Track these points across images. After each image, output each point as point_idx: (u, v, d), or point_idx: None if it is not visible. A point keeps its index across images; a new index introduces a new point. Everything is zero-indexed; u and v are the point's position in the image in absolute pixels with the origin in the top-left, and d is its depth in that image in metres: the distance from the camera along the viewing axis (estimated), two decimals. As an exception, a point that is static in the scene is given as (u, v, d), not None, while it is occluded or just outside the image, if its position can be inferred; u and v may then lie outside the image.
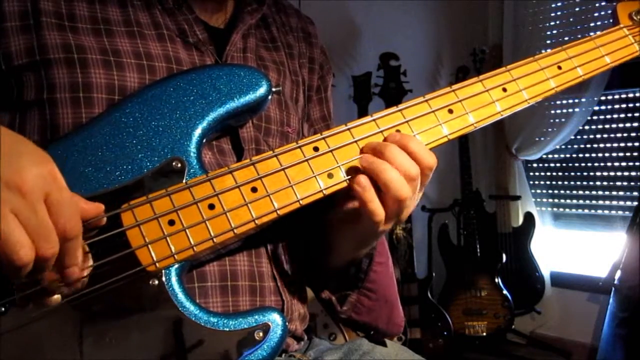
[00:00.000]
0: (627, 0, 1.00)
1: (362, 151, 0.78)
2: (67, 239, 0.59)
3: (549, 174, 3.41)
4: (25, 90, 0.78)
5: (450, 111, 0.84)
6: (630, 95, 3.05)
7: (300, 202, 0.75)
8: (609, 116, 3.14)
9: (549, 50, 0.92)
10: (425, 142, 0.82)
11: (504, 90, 0.87)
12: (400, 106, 0.82)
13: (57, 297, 0.65)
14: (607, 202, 3.14)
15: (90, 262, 0.67)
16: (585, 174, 3.24)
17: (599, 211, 3.18)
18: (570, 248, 3.30)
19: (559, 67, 0.91)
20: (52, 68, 0.77)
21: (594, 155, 3.19)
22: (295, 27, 1.07)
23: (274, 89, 0.80)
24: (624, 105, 3.07)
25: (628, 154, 3.05)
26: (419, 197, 0.81)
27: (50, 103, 0.77)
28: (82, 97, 0.78)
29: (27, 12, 0.78)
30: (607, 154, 3.13)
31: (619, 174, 3.10)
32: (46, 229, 0.56)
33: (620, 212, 3.06)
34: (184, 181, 0.73)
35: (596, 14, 3.04)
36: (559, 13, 3.19)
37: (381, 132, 0.80)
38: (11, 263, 0.55)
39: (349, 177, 0.77)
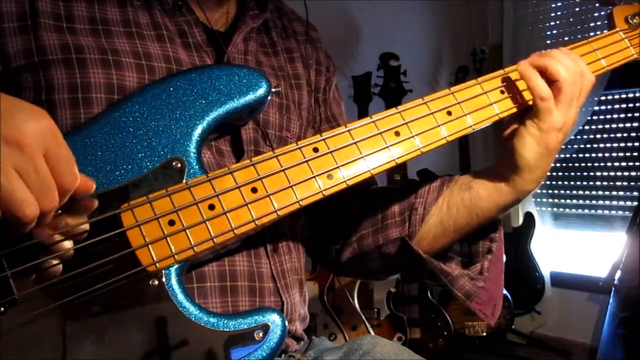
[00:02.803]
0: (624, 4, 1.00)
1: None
2: (65, 193, 0.59)
3: (549, 174, 3.39)
4: (24, 92, 0.78)
5: (449, 113, 0.84)
6: (630, 95, 3.04)
7: (300, 202, 0.76)
8: (609, 116, 3.13)
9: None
10: (424, 143, 0.82)
11: (502, 92, 0.88)
12: (400, 108, 0.82)
13: (59, 267, 0.65)
14: (607, 202, 3.14)
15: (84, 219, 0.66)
16: (585, 174, 3.23)
17: (599, 211, 3.18)
18: (570, 248, 3.29)
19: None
20: (50, 69, 0.77)
21: (594, 155, 3.18)
22: (298, 32, 1.07)
23: (273, 90, 0.80)
24: (624, 105, 3.07)
25: (628, 154, 3.05)
26: (575, 112, 0.88)
27: (49, 104, 0.77)
28: (80, 97, 0.78)
29: (24, 13, 0.78)
30: (607, 154, 3.12)
31: (619, 174, 3.10)
32: (48, 186, 0.57)
33: (620, 212, 3.06)
34: (184, 181, 0.73)
35: (596, 14, 3.04)
36: (559, 13, 3.19)
37: (380, 133, 0.80)
38: (17, 221, 0.56)
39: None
